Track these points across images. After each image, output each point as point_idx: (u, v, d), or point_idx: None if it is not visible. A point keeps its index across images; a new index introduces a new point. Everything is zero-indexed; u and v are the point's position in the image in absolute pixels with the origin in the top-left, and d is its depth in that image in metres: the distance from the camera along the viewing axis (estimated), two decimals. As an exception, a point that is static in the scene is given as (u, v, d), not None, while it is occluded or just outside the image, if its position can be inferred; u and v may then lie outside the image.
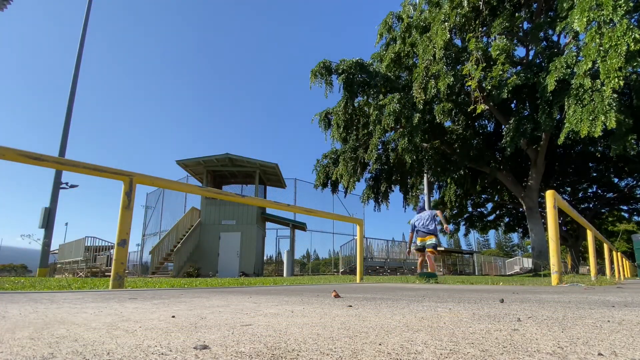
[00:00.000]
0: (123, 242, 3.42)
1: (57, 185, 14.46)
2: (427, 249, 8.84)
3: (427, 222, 8.99)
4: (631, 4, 10.40)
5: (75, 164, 3.30)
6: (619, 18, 10.20)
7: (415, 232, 9.21)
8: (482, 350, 0.85)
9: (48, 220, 13.81)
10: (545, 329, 1.14)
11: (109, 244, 23.24)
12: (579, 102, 11.91)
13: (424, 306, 1.79)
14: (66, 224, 47.81)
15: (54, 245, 24.37)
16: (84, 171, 3.33)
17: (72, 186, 22.92)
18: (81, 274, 21.27)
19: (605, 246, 9.29)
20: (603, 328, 1.15)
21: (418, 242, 9.02)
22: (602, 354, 0.81)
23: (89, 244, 22.62)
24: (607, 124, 10.95)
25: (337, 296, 2.30)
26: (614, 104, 10.93)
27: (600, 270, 9.48)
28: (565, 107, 12.43)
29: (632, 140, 12.27)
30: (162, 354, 0.80)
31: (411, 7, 19.13)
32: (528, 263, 36.32)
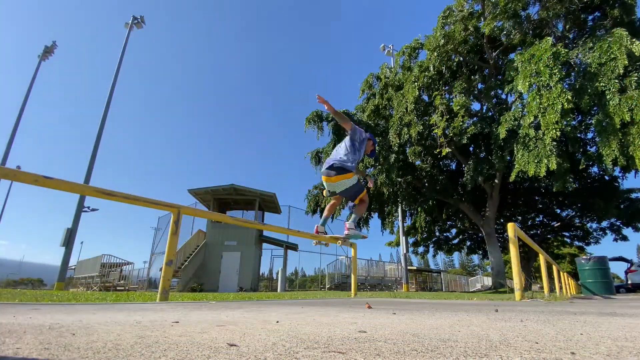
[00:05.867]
0: (170, 262, 3.55)
1: (80, 208, 14.31)
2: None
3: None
4: (563, 73, 11.42)
5: (136, 198, 3.44)
6: (554, 83, 11.17)
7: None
8: (501, 334, 1.08)
9: (69, 240, 13.62)
10: (541, 324, 1.38)
11: (123, 262, 22.75)
12: (526, 148, 12.58)
13: (444, 314, 2.00)
14: (82, 242, 46.55)
15: (72, 262, 23.63)
16: (140, 203, 3.48)
17: (93, 210, 22.50)
18: (95, 287, 20.65)
19: (554, 267, 9.61)
20: (576, 326, 1.39)
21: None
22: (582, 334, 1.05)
23: (105, 261, 22.13)
24: (550, 165, 11.63)
25: (369, 307, 2.48)
26: (554, 150, 11.67)
27: (550, 289, 9.74)
28: (515, 151, 13.07)
29: (570, 179, 12.96)
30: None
31: (388, 70, 20.34)
32: (488, 281, 36.49)
